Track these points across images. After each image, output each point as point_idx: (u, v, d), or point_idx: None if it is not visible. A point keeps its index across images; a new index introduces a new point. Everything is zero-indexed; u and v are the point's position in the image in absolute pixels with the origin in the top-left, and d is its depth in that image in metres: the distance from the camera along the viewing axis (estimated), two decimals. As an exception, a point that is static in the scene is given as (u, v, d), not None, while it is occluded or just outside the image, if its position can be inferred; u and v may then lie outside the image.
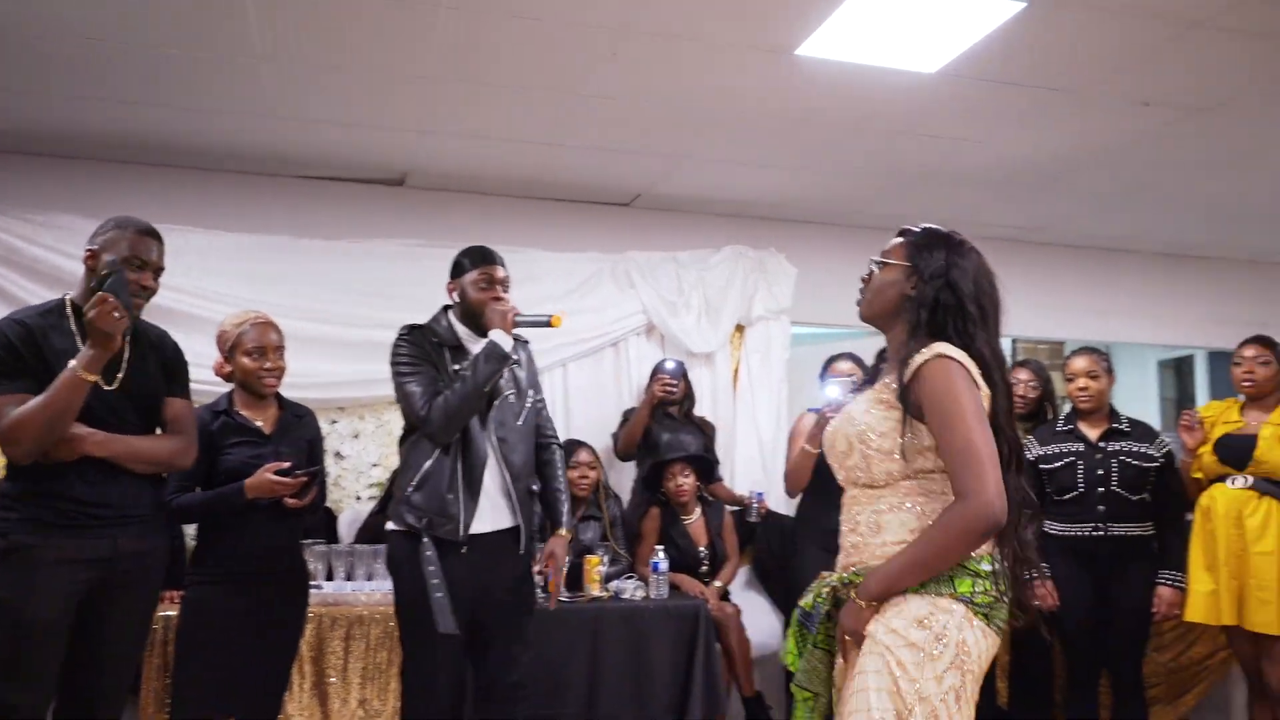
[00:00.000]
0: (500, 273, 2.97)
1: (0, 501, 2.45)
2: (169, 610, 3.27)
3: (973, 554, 1.82)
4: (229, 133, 4.50)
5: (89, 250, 2.55)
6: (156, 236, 2.64)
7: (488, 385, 2.80)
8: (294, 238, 4.78)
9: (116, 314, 2.35)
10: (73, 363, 2.37)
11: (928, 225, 2.05)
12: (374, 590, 3.60)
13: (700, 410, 4.88)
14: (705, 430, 4.75)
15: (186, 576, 2.99)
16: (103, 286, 2.38)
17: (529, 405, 3.01)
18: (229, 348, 3.07)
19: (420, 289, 4.80)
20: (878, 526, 1.90)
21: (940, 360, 1.86)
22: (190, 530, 3.30)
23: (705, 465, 4.53)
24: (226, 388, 3.14)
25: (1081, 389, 3.76)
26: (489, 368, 2.79)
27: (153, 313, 4.34)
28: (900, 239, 2.04)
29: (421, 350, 2.93)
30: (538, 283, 4.90)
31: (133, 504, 2.53)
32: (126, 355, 2.57)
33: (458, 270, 3.01)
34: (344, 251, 4.82)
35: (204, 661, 2.85)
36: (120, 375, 2.53)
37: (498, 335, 2.82)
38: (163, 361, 2.70)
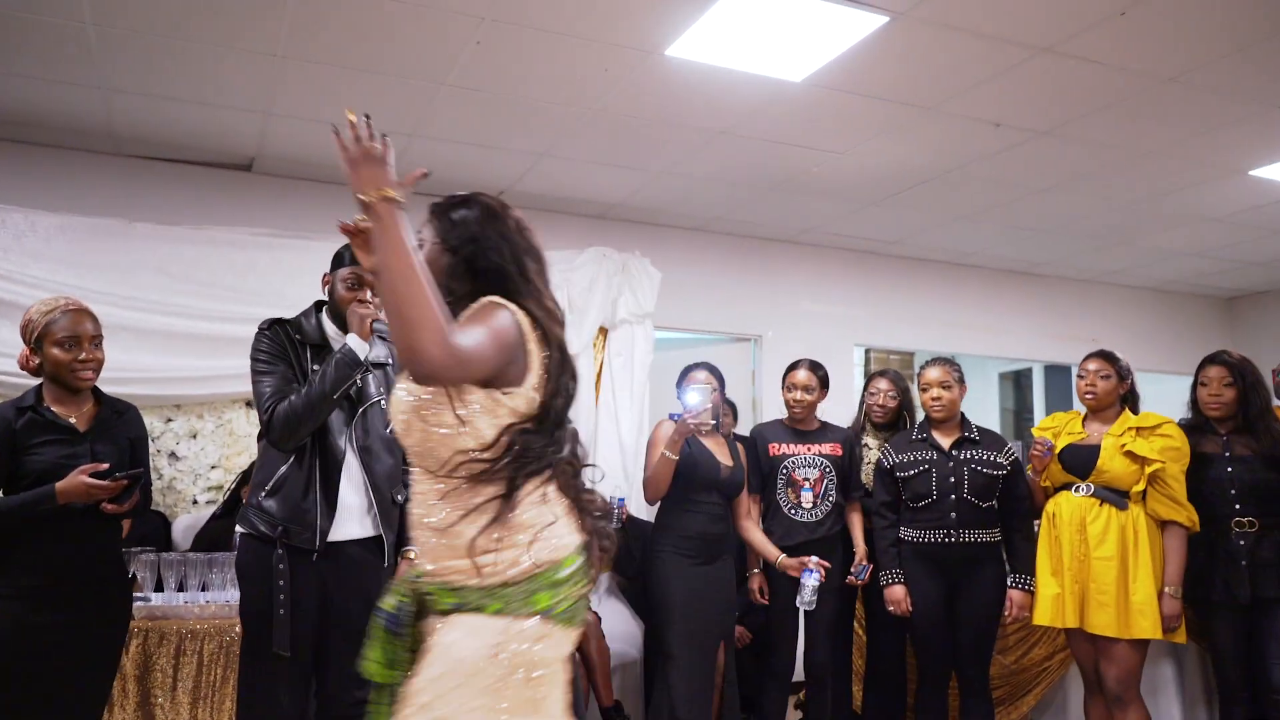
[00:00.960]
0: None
1: None
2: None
3: (551, 560, 1.74)
4: (57, 103, 4.14)
5: None
6: None
7: (336, 393, 2.62)
8: (128, 221, 4.43)
9: None
10: None
11: (451, 195, 1.96)
12: (209, 602, 3.34)
13: (561, 413, 4.79)
14: (566, 434, 4.65)
15: None
16: None
17: None
18: (35, 337, 2.77)
19: (266, 281, 4.59)
20: (448, 523, 1.78)
21: (488, 302, 1.80)
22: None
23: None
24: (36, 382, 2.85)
25: (935, 399, 3.85)
26: (338, 374, 2.60)
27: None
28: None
29: (279, 347, 2.72)
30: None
31: None
32: None
33: (335, 263, 2.81)
34: (183, 238, 4.51)
35: (8, 684, 2.56)
36: None
37: (353, 340, 2.64)
38: None
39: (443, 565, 1.75)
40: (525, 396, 1.77)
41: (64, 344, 2.76)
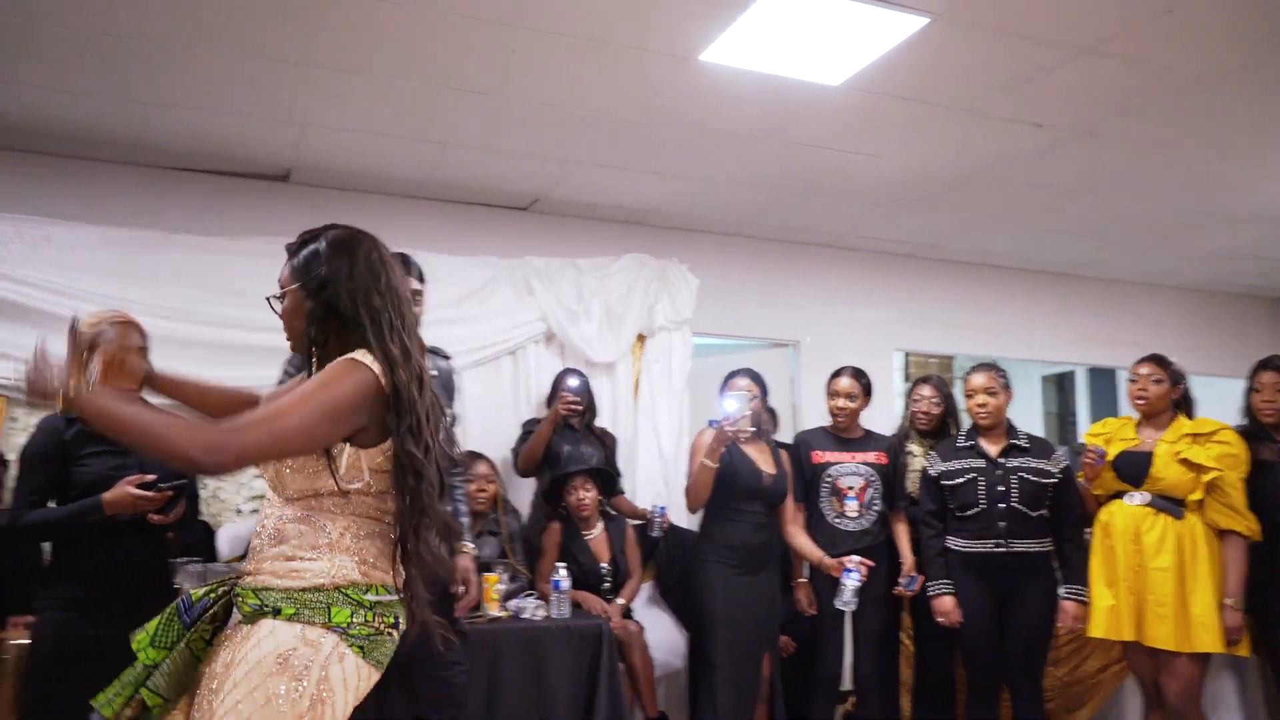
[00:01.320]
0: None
1: None
2: (19, 639, 2.97)
3: (360, 581, 1.71)
4: (94, 116, 4.17)
5: None
6: None
7: None
8: (167, 233, 4.47)
9: None
10: None
11: (304, 233, 1.89)
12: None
13: (601, 421, 4.75)
14: (606, 442, 4.63)
15: (37, 600, 2.71)
16: None
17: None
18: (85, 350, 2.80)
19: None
20: (280, 536, 1.74)
21: (342, 361, 1.72)
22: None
23: (606, 478, 4.41)
24: None
25: (980, 405, 3.78)
26: None
27: (7, 311, 4.03)
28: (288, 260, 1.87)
29: None
30: (433, 287, 4.70)
31: None
32: None
33: None
34: (223, 249, 4.53)
35: (58, 695, 2.57)
36: None
37: None
38: None
39: (260, 567, 1.72)
40: (385, 455, 1.73)
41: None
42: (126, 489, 2.64)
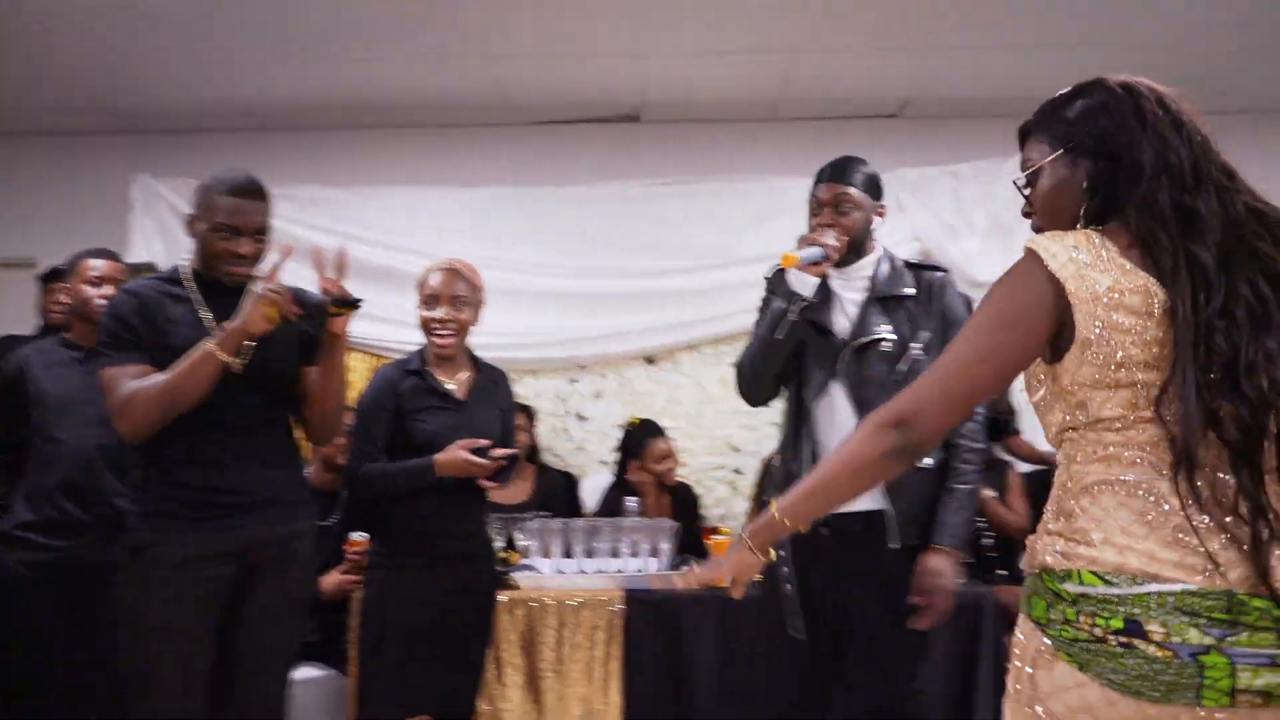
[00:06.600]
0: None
1: (132, 493, 2.30)
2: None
3: (1060, 564, 1.27)
4: (454, 83, 4.29)
5: (189, 216, 2.32)
6: (253, 194, 2.29)
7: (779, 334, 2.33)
8: (522, 188, 4.51)
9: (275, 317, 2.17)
10: (209, 342, 2.15)
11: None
12: (599, 571, 3.19)
13: (990, 350, 4.06)
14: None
15: (371, 555, 2.75)
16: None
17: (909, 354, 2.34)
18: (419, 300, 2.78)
19: (656, 232, 4.42)
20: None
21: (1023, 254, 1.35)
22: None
23: (994, 423, 3.73)
24: None
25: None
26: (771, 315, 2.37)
27: (388, 279, 4.26)
28: (1033, 130, 1.47)
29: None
30: (792, 214, 4.30)
31: (267, 488, 2.27)
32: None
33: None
34: (577, 198, 4.49)
35: (391, 653, 2.59)
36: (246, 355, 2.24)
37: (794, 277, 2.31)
38: (300, 332, 2.37)
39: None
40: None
41: (426, 302, 2.72)
42: (460, 454, 2.57)
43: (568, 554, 3.19)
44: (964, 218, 4.39)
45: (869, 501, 2.22)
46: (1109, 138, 1.36)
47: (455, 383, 2.75)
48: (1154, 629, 1.21)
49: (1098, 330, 1.28)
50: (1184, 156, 1.33)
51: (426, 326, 2.72)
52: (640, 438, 3.90)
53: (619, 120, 4.78)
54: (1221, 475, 1.26)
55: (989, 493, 3.56)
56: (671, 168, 4.63)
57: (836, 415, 2.29)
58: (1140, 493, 1.27)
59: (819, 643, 2.28)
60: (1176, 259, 1.28)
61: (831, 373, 2.31)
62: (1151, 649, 1.21)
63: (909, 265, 2.43)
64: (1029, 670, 1.29)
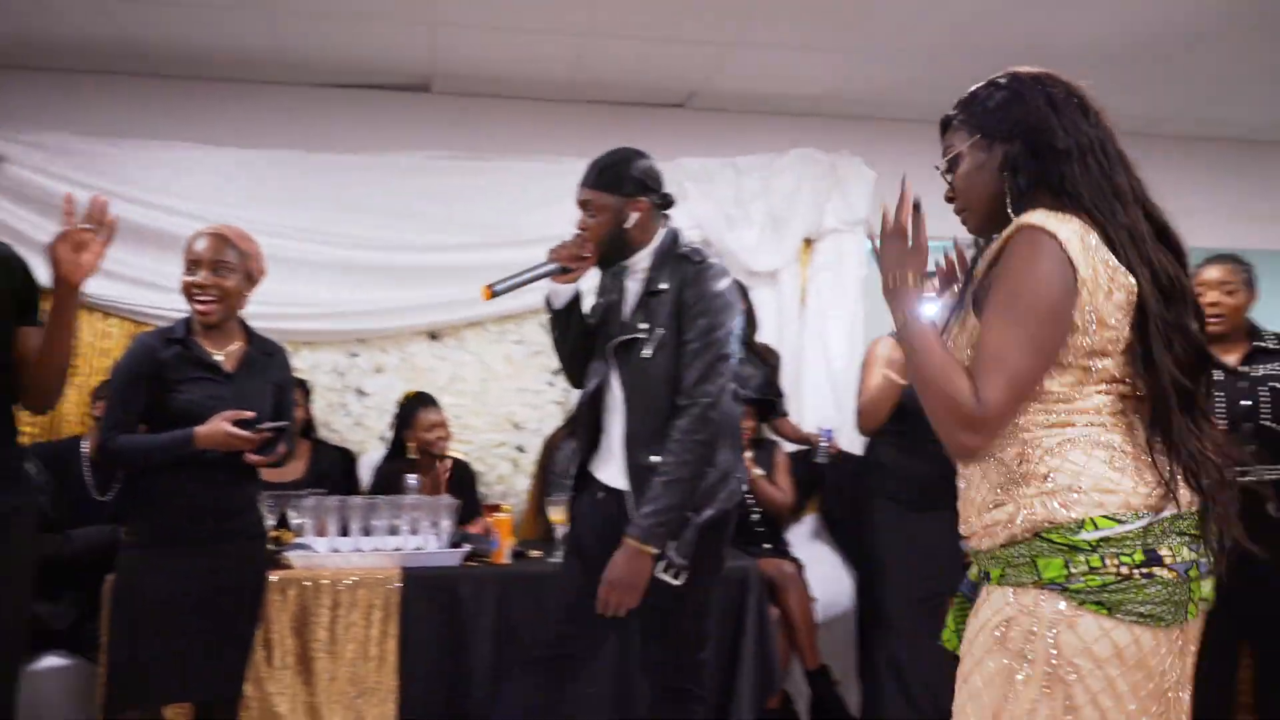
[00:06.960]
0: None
1: None
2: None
3: (1066, 517, 1.38)
4: (224, 34, 4.03)
5: None
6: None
7: None
8: (305, 152, 4.32)
9: None
10: None
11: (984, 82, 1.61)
12: (375, 550, 3.13)
13: (763, 336, 4.27)
14: (768, 359, 4.16)
15: (124, 533, 2.58)
16: None
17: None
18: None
19: (447, 206, 4.36)
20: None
21: (1025, 231, 1.44)
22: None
23: (764, 405, 3.95)
24: None
25: (1212, 305, 3.05)
26: None
27: (155, 241, 3.99)
28: (956, 116, 1.63)
29: None
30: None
31: None
32: None
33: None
34: (360, 166, 4.34)
35: (145, 638, 2.46)
36: None
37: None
38: (12, 290, 2.18)
39: (970, 528, 1.53)
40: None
41: (189, 267, 2.59)
42: (222, 426, 2.45)
43: (344, 532, 3.11)
44: (742, 209, 4.58)
45: (621, 480, 2.36)
46: (1022, 121, 1.50)
47: (224, 354, 2.63)
48: (1165, 553, 1.37)
49: (1090, 321, 1.42)
50: (1094, 137, 1.48)
51: (187, 292, 2.58)
52: (413, 408, 3.86)
53: (409, 89, 4.66)
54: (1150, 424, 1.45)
55: (757, 471, 3.77)
56: (460, 141, 4.57)
57: (612, 402, 2.43)
58: (1102, 444, 1.42)
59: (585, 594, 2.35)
60: (1137, 244, 1.44)
61: (606, 364, 2.45)
62: (1165, 573, 1.37)
63: (678, 255, 2.41)
64: (1049, 635, 1.36)
